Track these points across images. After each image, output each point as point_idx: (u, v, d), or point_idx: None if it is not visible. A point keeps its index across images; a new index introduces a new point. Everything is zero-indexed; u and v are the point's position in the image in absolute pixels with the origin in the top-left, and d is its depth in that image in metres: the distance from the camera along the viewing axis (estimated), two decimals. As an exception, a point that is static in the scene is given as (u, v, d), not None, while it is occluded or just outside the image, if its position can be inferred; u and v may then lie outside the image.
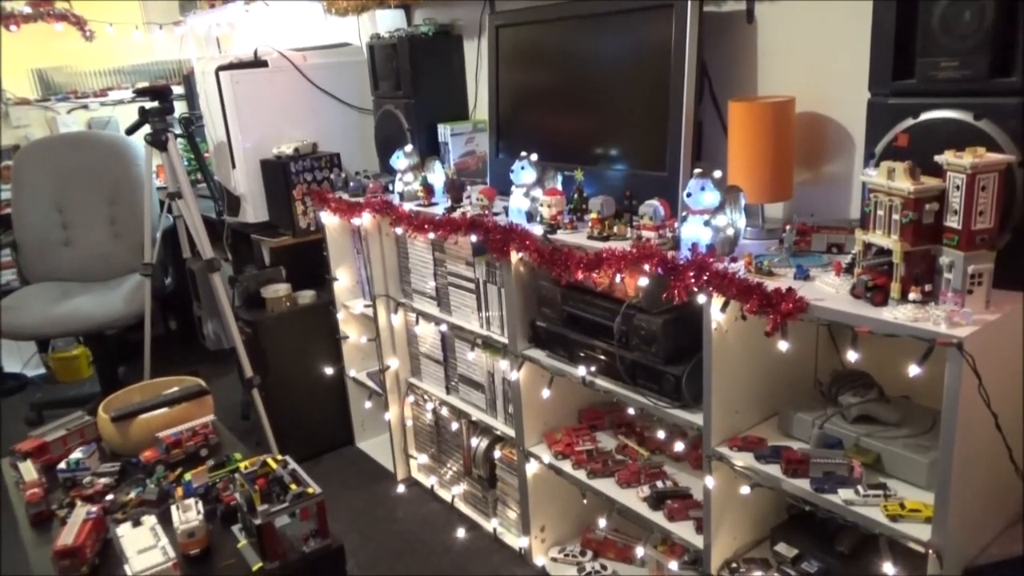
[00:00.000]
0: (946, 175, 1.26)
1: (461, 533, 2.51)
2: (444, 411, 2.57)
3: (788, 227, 1.62)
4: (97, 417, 2.08)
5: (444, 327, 2.44)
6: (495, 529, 2.46)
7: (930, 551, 1.29)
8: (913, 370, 1.25)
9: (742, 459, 1.59)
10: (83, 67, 4.51)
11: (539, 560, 2.30)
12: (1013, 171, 1.28)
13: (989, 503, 1.38)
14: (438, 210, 2.25)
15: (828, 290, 1.41)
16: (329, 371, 2.99)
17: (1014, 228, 1.31)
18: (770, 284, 1.42)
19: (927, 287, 1.30)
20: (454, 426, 2.53)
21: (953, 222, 1.26)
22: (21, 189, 3.55)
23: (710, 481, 1.66)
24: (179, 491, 1.77)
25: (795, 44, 1.82)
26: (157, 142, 2.64)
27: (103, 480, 1.91)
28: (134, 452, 2.01)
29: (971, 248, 1.25)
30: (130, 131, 2.74)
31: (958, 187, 1.24)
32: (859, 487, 1.41)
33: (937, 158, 1.27)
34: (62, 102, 4.41)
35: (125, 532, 1.60)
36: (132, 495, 1.83)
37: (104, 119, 4.49)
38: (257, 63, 2.92)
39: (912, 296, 1.29)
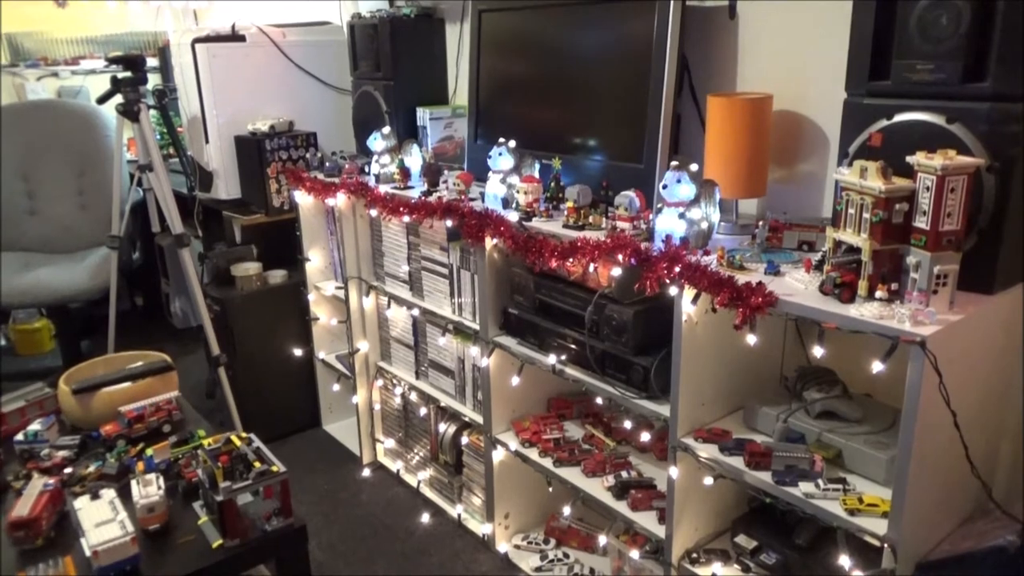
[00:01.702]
0: (917, 176, 1.28)
1: (425, 518, 2.51)
2: (413, 396, 2.56)
3: (761, 223, 1.64)
4: (58, 389, 2.04)
5: (416, 311, 2.43)
6: (459, 515, 2.46)
7: (886, 545, 1.32)
8: (876, 366, 1.27)
9: (706, 451, 1.61)
10: (55, 34, 4.40)
11: (502, 547, 2.31)
12: (982, 175, 1.30)
13: (944, 500, 1.41)
14: (414, 193, 2.23)
15: (797, 286, 1.43)
16: (298, 352, 2.97)
17: (980, 231, 1.34)
18: (741, 278, 1.43)
19: (894, 286, 1.32)
20: (422, 411, 2.53)
21: (921, 223, 1.28)
22: (-14, 156, 3.46)
23: (674, 471, 1.67)
24: (140, 466, 1.75)
25: (775, 42, 1.84)
26: (129, 112, 2.59)
27: (62, 453, 1.87)
28: (95, 426, 1.97)
29: (938, 249, 1.27)
30: (101, 100, 2.68)
31: (928, 188, 1.26)
32: (819, 481, 1.43)
33: (908, 159, 1.29)
34: (31, 68, 4.29)
35: (83, 505, 1.57)
36: (91, 468, 1.80)
37: (75, 88, 4.38)
38: (235, 37, 2.87)
39: (879, 294, 1.31)
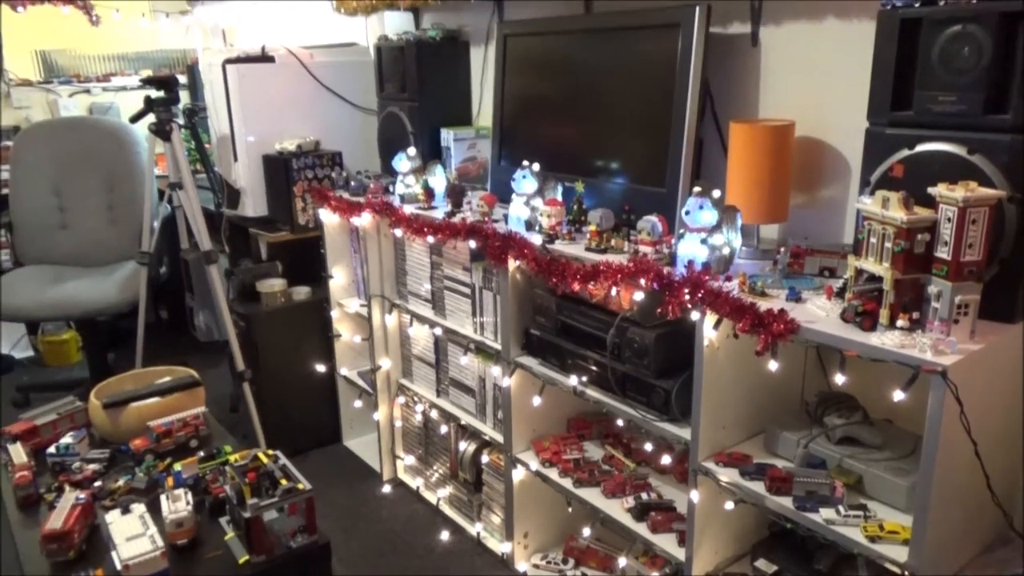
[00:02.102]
0: (938, 207, 1.30)
1: (444, 536, 2.52)
2: (434, 413, 2.58)
3: (783, 249, 1.65)
4: (89, 403, 2.08)
5: (438, 330, 2.46)
6: (479, 533, 2.47)
7: (906, 573, 1.32)
8: (897, 395, 1.28)
9: (727, 475, 1.62)
10: (87, 51, 4.51)
11: (521, 566, 2.32)
12: (1003, 206, 1.32)
13: (965, 528, 1.41)
14: (438, 214, 2.27)
15: (819, 313, 1.44)
16: (320, 368, 3.01)
17: (1001, 261, 1.35)
18: (763, 304, 1.45)
19: (915, 315, 1.33)
20: (443, 429, 2.55)
21: (943, 253, 1.30)
22: (20, 171, 3.55)
23: (695, 495, 1.68)
24: (169, 481, 1.79)
25: (797, 69, 1.86)
26: (161, 132, 2.65)
27: (92, 466, 1.92)
28: (124, 440, 2.02)
29: (959, 279, 1.28)
30: (134, 119, 2.75)
31: (949, 219, 1.27)
32: (840, 507, 1.44)
33: (930, 190, 1.31)
34: (64, 85, 4.40)
35: (114, 519, 1.61)
36: (121, 482, 1.84)
37: (106, 105, 4.48)
38: (264, 58, 2.93)
39: (900, 323, 1.32)
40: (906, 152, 1.43)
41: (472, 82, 2.81)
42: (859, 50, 1.69)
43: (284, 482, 1.63)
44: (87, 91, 4.48)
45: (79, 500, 1.67)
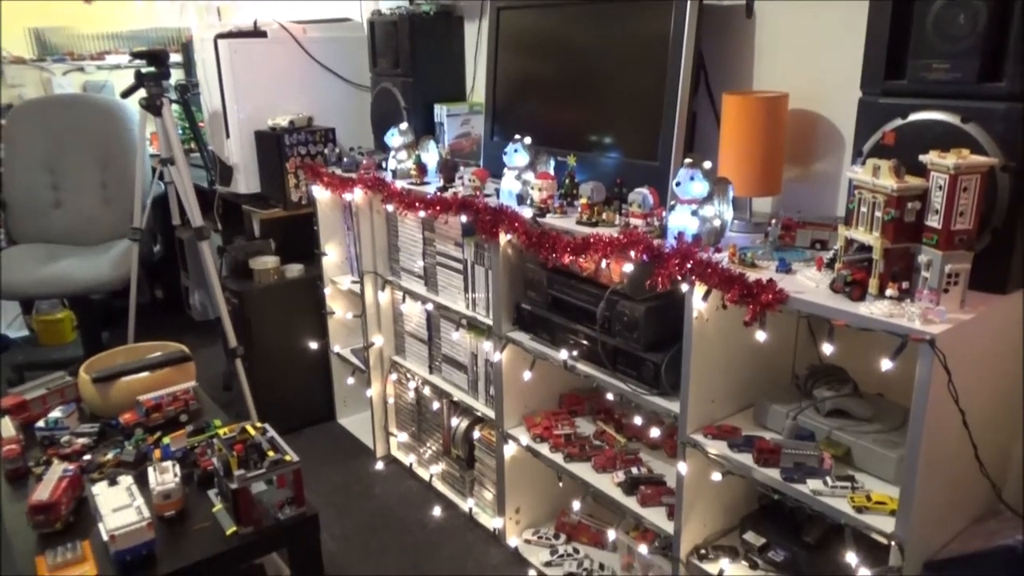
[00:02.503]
0: (929, 175, 1.28)
1: (437, 511, 2.53)
2: (426, 390, 2.58)
3: (774, 221, 1.64)
4: (78, 378, 2.08)
5: (430, 306, 2.45)
6: (471, 509, 2.48)
7: (893, 543, 1.32)
8: (885, 364, 1.27)
9: (716, 447, 1.61)
10: (81, 29, 4.47)
11: (512, 541, 2.32)
12: (995, 174, 1.30)
13: (953, 499, 1.41)
14: (430, 189, 2.25)
15: (808, 284, 1.43)
16: (313, 346, 3.00)
17: (993, 231, 1.33)
18: (752, 275, 1.44)
19: (904, 284, 1.32)
20: (435, 405, 2.55)
21: (934, 222, 1.28)
22: (13, 149, 3.52)
23: (683, 467, 1.68)
24: (157, 453, 1.78)
25: (791, 41, 1.83)
26: (152, 107, 2.63)
27: (81, 440, 1.92)
28: (114, 414, 2.01)
29: (949, 248, 1.27)
30: (125, 94, 2.73)
31: (940, 187, 1.26)
32: (828, 478, 1.43)
33: (922, 157, 1.29)
34: (58, 63, 4.37)
35: (101, 491, 1.61)
36: (110, 456, 1.84)
37: (100, 83, 4.46)
38: (256, 33, 2.91)
39: (889, 292, 1.31)
40: (899, 121, 1.41)
41: (466, 58, 2.78)
42: (853, 19, 1.67)
43: (271, 454, 1.62)
44: (81, 69, 4.45)
45: (67, 472, 1.67)
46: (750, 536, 1.70)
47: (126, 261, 3.10)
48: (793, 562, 1.63)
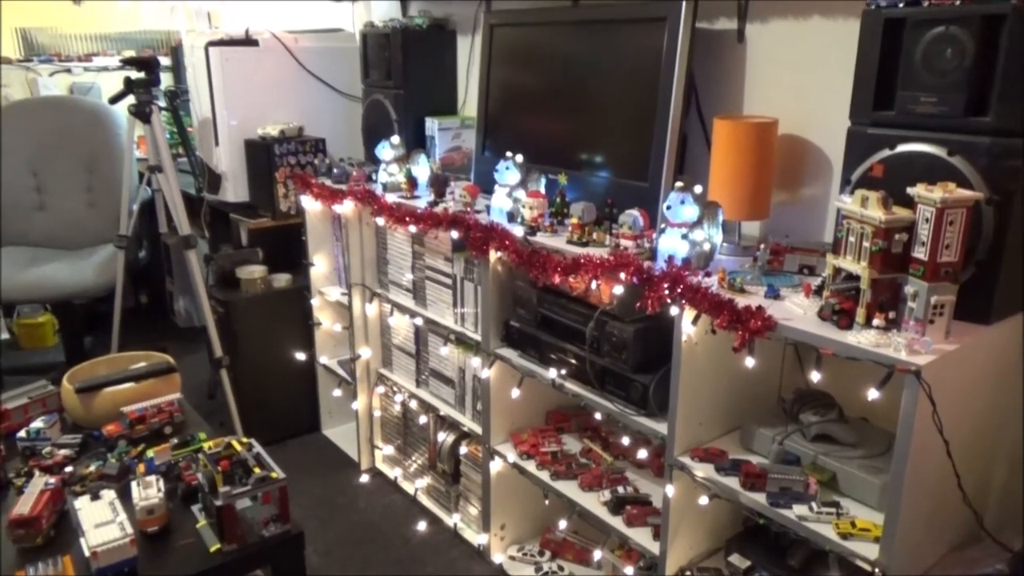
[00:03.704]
0: (916, 207, 1.30)
1: (422, 526, 2.52)
2: (413, 404, 2.58)
3: (763, 246, 1.65)
4: (61, 387, 2.05)
5: (419, 320, 2.45)
6: (455, 524, 2.47)
7: (876, 570, 1.33)
8: (872, 394, 1.28)
9: (703, 470, 1.62)
10: (68, 30, 4.43)
11: (497, 558, 2.32)
12: (981, 208, 1.32)
13: (936, 527, 1.42)
14: (420, 203, 2.25)
15: (796, 310, 1.44)
16: (300, 356, 2.99)
17: (978, 263, 1.35)
18: (741, 301, 1.45)
19: (891, 314, 1.34)
20: (422, 419, 2.54)
21: (920, 253, 1.30)
22: (-3, 150, 3.49)
23: (670, 489, 1.69)
24: (141, 467, 1.76)
25: (782, 67, 1.85)
26: (141, 113, 2.61)
27: (63, 451, 1.89)
28: (97, 425, 1.99)
29: (936, 279, 1.28)
30: (113, 100, 2.71)
31: (927, 220, 1.28)
32: (813, 504, 1.45)
33: (909, 190, 1.31)
34: (44, 64, 4.33)
35: (83, 505, 1.58)
36: (92, 468, 1.81)
37: (87, 85, 4.42)
38: (248, 41, 2.90)
39: (876, 322, 1.33)
40: (887, 152, 1.43)
41: (458, 71, 2.79)
42: (844, 49, 1.69)
43: (257, 470, 1.61)
44: (68, 70, 4.41)
45: (48, 485, 1.65)
46: (735, 559, 1.71)
47: (111, 267, 3.08)
48: (777, 585, 1.64)
